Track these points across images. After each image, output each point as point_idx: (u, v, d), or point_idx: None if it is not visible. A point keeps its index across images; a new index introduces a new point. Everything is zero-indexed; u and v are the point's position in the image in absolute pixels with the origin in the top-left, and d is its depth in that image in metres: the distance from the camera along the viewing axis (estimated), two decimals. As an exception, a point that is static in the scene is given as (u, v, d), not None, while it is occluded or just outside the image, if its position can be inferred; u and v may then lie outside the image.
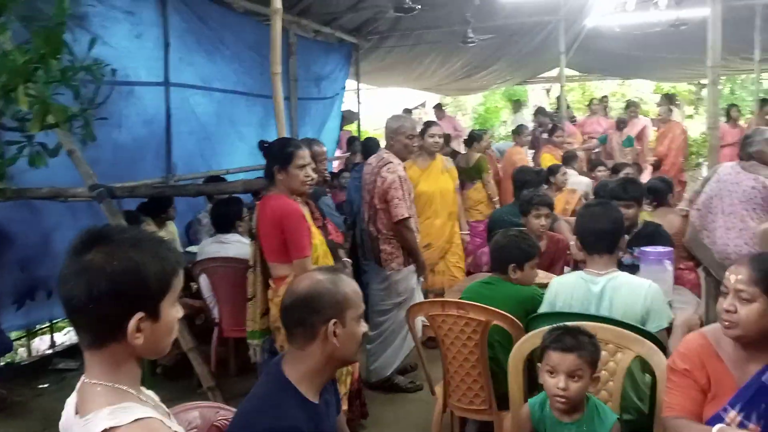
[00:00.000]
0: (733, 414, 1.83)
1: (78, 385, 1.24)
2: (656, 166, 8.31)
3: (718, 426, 1.81)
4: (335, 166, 8.07)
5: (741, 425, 1.81)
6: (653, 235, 3.77)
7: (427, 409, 3.19)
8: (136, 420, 1.15)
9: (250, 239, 3.24)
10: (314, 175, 3.04)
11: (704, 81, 8.96)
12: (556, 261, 3.98)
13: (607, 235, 2.59)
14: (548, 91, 15.32)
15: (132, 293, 1.16)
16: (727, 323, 1.88)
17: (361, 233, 4.31)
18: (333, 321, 1.65)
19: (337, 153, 8.07)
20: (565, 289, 2.64)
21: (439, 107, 11.66)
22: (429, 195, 4.64)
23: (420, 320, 3.50)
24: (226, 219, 4.15)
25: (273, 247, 2.95)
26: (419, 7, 5.29)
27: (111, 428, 1.12)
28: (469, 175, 6.42)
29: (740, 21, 8.07)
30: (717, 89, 4.54)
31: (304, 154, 2.95)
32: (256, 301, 3.14)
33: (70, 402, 1.25)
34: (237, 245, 4.00)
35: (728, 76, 13.54)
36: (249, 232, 3.51)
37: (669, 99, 9.41)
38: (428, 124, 4.82)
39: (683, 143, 8.43)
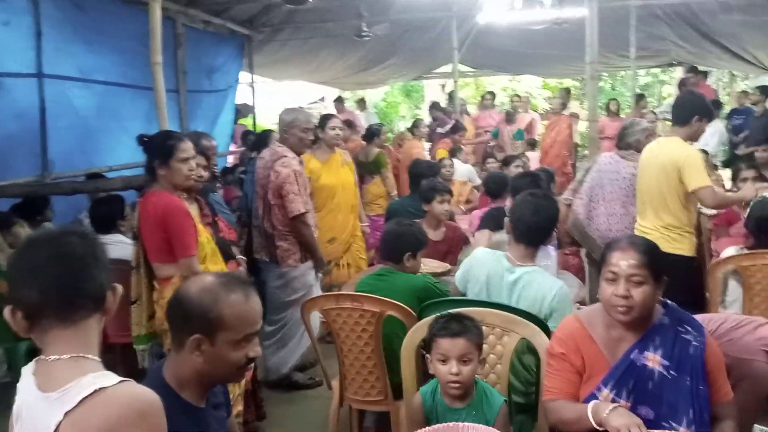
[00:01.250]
0: (606, 392, 1.93)
1: (32, 366, 1.29)
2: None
3: (592, 402, 1.90)
4: (230, 160, 7.85)
5: (613, 402, 1.91)
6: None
7: (327, 405, 3.16)
8: (121, 381, 1.22)
9: (133, 239, 3.07)
10: (200, 170, 2.92)
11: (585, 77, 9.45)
12: (453, 249, 4.07)
13: (541, 231, 2.64)
14: (443, 86, 15.67)
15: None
16: (623, 309, 1.92)
17: (255, 229, 4.21)
18: (196, 336, 1.50)
19: (232, 147, 7.85)
20: (481, 269, 2.67)
21: (339, 100, 11.63)
22: (331, 188, 4.61)
23: (317, 316, 3.47)
24: (105, 219, 3.90)
25: (156, 247, 2.81)
26: (310, 0, 5.24)
27: (100, 389, 1.18)
28: (368, 169, 6.44)
29: (617, 20, 8.60)
30: (596, 84, 4.81)
31: (186, 147, 2.82)
32: (141, 304, 2.97)
33: (27, 384, 1.27)
34: (119, 246, 3.76)
35: (609, 73, 14.43)
36: (132, 231, 3.32)
37: (567, 93, 9.89)
38: (327, 117, 4.77)
39: (568, 136, 8.88)
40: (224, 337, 1.51)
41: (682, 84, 9.60)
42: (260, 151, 4.31)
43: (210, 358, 1.52)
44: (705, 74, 10.30)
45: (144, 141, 2.91)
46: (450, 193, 4.10)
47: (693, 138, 3.76)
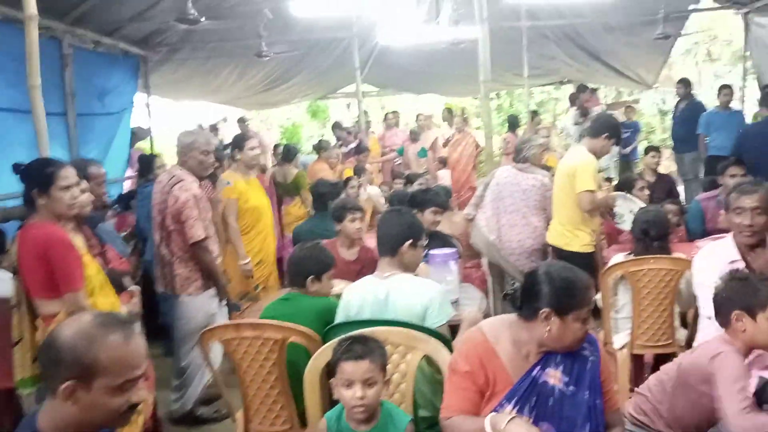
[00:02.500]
0: (508, 408, 1.95)
1: None
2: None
3: (490, 414, 1.92)
4: (126, 186, 7.50)
5: None
6: (443, 239, 4.03)
7: (233, 437, 3.04)
8: None
9: (13, 274, 2.84)
10: (84, 197, 2.76)
11: (484, 95, 9.76)
12: (367, 269, 4.06)
13: (390, 238, 2.70)
14: (349, 105, 15.77)
15: None
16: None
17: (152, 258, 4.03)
18: (69, 383, 1.37)
19: (129, 172, 7.50)
20: (356, 296, 2.69)
21: (242, 120, 11.43)
22: (259, 209, 4.56)
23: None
24: (-17, 254, 3.60)
25: (38, 282, 2.62)
26: (203, 19, 5.11)
27: None
28: (287, 190, 6.37)
29: (511, 41, 8.97)
30: (489, 103, 4.99)
31: (67, 174, 2.66)
32: (24, 345, 2.76)
33: None
34: (-1, 283, 3.49)
35: (507, 90, 15.03)
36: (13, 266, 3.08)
37: (450, 113, 10.25)
38: (245, 137, 4.69)
39: (474, 152, 9.15)
40: (101, 383, 1.40)
41: (571, 100, 10.16)
42: (146, 176, 4.14)
43: (86, 406, 1.40)
44: (594, 90, 10.94)
45: (20, 170, 2.71)
46: (361, 210, 4.10)
47: (598, 152, 4.18)
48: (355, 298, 2.67)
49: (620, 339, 3.61)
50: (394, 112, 11.15)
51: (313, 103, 15.41)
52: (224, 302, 3.94)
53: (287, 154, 6.65)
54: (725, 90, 7.80)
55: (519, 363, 2.01)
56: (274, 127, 16.94)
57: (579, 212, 4.14)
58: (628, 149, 9.65)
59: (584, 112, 9.14)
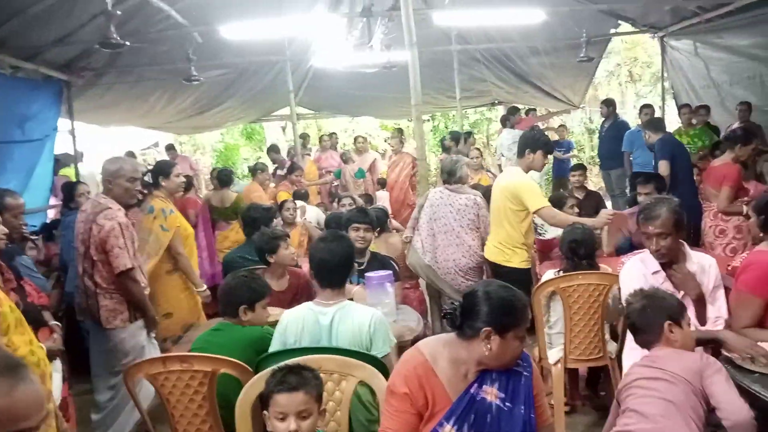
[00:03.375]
0: (447, 428, 1.94)
1: None
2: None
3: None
4: (50, 215, 7.17)
5: None
6: (381, 261, 4.03)
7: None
8: None
9: None
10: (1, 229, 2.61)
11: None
12: (300, 296, 4.00)
13: (340, 269, 2.72)
14: (284, 128, 15.68)
15: None
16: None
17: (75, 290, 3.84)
18: None
19: (53, 201, 7.18)
20: (296, 323, 2.65)
21: (171, 147, 11.18)
22: (191, 235, 4.51)
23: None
24: None
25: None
26: (128, 43, 4.97)
27: None
28: (224, 214, 6.24)
29: (443, 64, 9.18)
30: (421, 125, 5.05)
31: (-23, 207, 2.51)
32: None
33: None
34: None
35: (441, 112, 15.30)
36: None
37: (400, 132, 10.31)
38: (171, 164, 4.60)
39: (410, 172, 9.22)
40: None
41: (502, 121, 10.43)
42: (69, 204, 3.97)
43: None
44: (531, 110, 11.23)
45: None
46: (288, 235, 4.05)
47: (531, 167, 4.32)
48: (294, 324, 2.62)
49: (554, 354, 3.67)
50: (330, 135, 11.15)
51: (247, 125, 15.24)
52: (153, 334, 3.79)
53: (223, 178, 6.54)
54: (646, 109, 8.18)
55: (457, 382, 2.01)
56: (207, 151, 16.64)
57: (518, 231, 4.24)
58: (566, 161, 9.92)
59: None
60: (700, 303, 2.86)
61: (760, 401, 2.19)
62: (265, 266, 3.82)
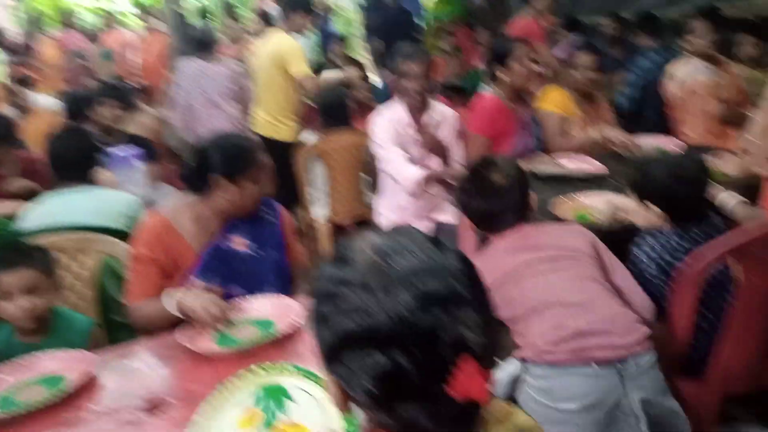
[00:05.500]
0: (198, 282, 1.93)
1: None
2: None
3: (164, 292, 1.88)
4: None
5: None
6: (134, 139, 3.75)
7: None
8: None
9: None
10: None
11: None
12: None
13: (78, 164, 2.54)
14: (13, 8, 13.37)
15: None
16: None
17: None
18: None
19: None
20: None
21: None
22: None
23: None
24: None
25: None
26: None
27: None
28: None
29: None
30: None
31: None
32: None
33: None
34: None
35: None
36: None
37: (146, 11, 9.33)
38: None
39: (164, 52, 8.52)
40: None
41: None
42: None
43: None
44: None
45: None
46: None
47: (293, 29, 4.13)
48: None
49: (320, 212, 3.82)
50: (69, 11, 9.78)
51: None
52: None
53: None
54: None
55: (203, 238, 2.01)
56: None
57: (287, 100, 4.12)
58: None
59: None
60: (441, 153, 3.03)
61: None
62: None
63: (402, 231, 0.82)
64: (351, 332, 0.75)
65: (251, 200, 2.02)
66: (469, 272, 0.79)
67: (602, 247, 1.93)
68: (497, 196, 1.92)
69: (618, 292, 1.86)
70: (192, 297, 1.80)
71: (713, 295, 1.89)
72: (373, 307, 0.74)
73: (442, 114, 3.08)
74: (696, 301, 1.87)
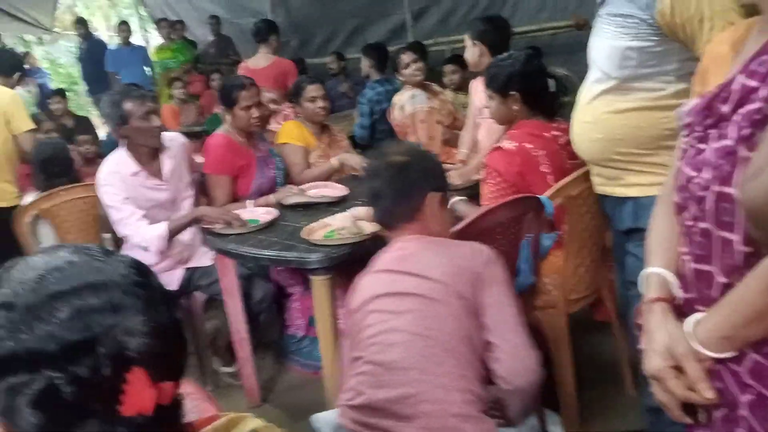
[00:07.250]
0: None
1: None
2: None
3: None
4: None
5: None
6: None
7: None
8: None
9: None
10: None
11: None
12: None
13: None
14: None
15: None
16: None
17: None
18: None
19: None
20: None
21: None
22: None
23: None
24: None
25: None
26: None
27: None
28: None
29: None
30: None
31: None
32: None
33: None
34: None
35: None
36: None
37: None
38: None
39: None
40: None
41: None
42: None
43: None
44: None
45: None
46: None
47: (9, 86, 3.71)
48: None
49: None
50: None
51: None
52: None
53: None
54: (123, 26, 8.01)
55: None
56: None
57: (7, 160, 3.56)
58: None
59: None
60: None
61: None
62: None
63: (67, 246, 0.79)
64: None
65: None
66: (138, 279, 0.76)
67: (492, 278, 1.54)
68: (378, 177, 1.74)
69: (478, 343, 1.48)
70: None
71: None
72: (21, 327, 0.69)
73: (170, 140, 2.98)
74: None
